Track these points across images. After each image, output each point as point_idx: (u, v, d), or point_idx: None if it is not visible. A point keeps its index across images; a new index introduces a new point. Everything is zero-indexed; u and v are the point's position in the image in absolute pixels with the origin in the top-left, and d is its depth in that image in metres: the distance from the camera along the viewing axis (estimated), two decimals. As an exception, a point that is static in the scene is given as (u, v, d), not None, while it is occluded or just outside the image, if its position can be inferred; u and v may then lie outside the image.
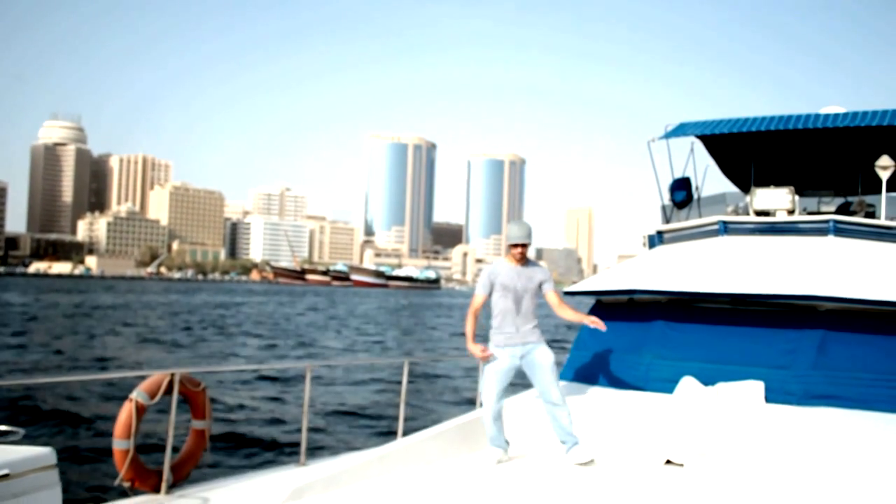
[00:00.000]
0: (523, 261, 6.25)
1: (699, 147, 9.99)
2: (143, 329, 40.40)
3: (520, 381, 6.51)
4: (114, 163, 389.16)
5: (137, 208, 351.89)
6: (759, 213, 8.35)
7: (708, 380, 6.85)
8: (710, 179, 10.38)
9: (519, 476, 5.73)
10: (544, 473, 5.79)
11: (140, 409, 5.40)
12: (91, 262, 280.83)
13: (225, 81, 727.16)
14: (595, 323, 6.27)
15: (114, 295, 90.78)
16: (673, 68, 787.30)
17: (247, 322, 50.18)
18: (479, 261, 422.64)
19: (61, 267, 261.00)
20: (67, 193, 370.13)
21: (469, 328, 6.24)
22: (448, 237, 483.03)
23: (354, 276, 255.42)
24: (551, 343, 6.76)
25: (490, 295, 6.29)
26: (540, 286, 6.27)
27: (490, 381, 6.21)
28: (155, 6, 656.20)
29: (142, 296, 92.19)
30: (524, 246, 6.17)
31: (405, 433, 6.84)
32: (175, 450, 5.71)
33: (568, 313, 6.31)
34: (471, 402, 8.65)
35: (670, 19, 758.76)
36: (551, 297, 6.34)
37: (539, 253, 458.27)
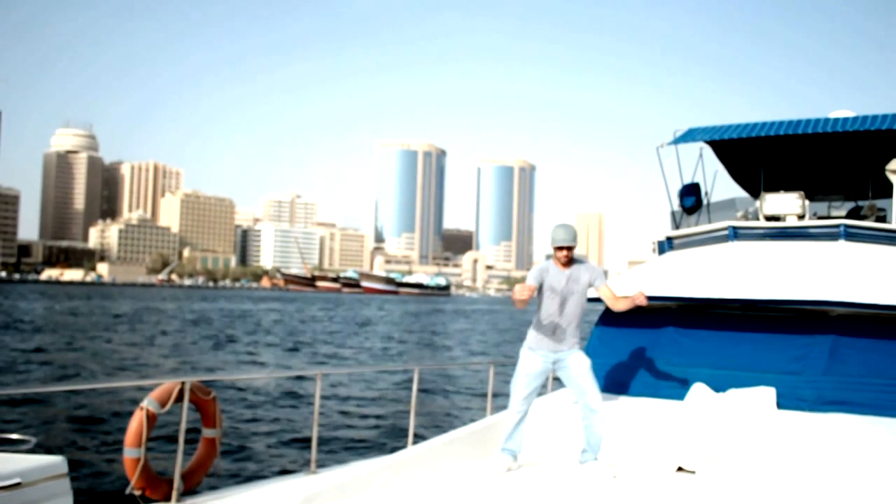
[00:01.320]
0: (569, 264, 6.18)
1: (708, 152, 9.96)
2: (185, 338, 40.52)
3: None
4: (125, 170, 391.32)
5: (149, 215, 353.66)
6: (769, 219, 8.32)
7: (719, 386, 6.82)
8: (720, 185, 10.34)
9: (530, 483, 5.71)
10: (556, 481, 5.77)
11: (151, 418, 5.42)
12: (102, 269, 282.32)
13: (235, 89, 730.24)
14: (639, 299, 6.13)
15: (133, 302, 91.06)
16: (681, 77, 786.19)
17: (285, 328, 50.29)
18: (489, 267, 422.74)
19: (73, 274, 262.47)
20: (79, 201, 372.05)
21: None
22: (458, 244, 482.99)
23: (365, 283, 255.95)
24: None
25: (539, 289, 6.18)
26: (586, 287, 6.19)
27: (520, 383, 6.17)
28: (166, 10, 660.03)
29: (163, 303, 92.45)
30: (569, 249, 6.11)
31: (416, 440, 6.83)
32: (186, 458, 5.72)
33: (622, 304, 6.21)
34: (482, 409, 8.63)
35: (678, 29, 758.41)
36: (604, 291, 6.22)
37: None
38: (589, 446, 6.07)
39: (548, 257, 6.42)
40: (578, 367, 6.10)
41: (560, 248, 6.11)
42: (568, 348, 6.16)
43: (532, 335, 6.26)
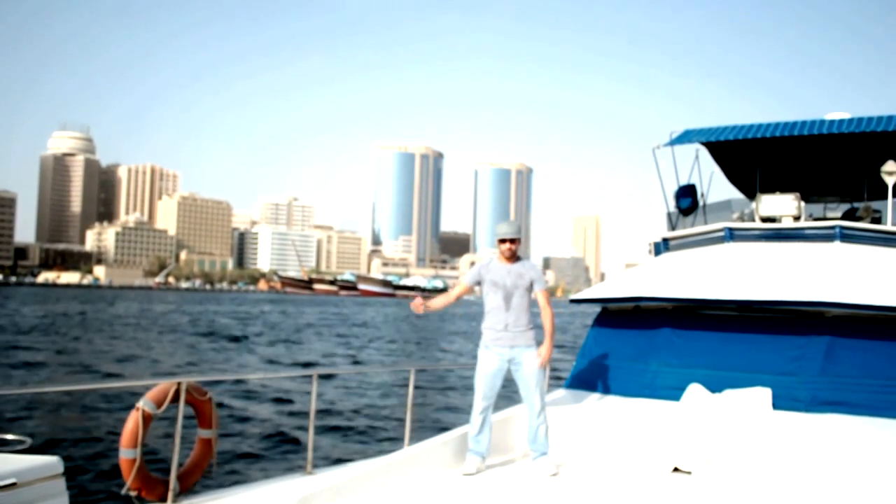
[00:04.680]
0: (513, 258, 6.23)
1: (704, 154, 9.98)
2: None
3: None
4: (122, 173, 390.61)
5: (145, 218, 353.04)
6: (764, 220, 8.34)
7: (715, 387, 6.83)
8: (716, 186, 10.37)
9: (525, 483, 5.72)
10: (550, 481, 5.78)
11: (147, 418, 5.42)
12: (99, 271, 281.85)
13: (232, 91, 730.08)
14: (543, 359, 6.13)
15: (131, 304, 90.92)
16: (677, 78, 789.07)
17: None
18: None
19: (70, 277, 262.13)
20: (76, 203, 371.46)
21: (440, 298, 6.35)
22: (455, 246, 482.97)
23: (362, 286, 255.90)
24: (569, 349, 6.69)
25: (474, 287, 6.36)
26: (531, 284, 6.22)
27: (479, 384, 6.20)
28: (162, 12, 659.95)
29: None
30: (512, 241, 6.17)
31: (412, 441, 6.84)
32: (182, 458, 5.72)
33: (546, 320, 6.18)
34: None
35: (674, 31, 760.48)
36: (540, 297, 6.26)
37: (546, 262, 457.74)
38: (534, 444, 6.11)
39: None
40: (529, 367, 6.13)
41: (504, 241, 6.20)
42: (524, 345, 6.17)
43: (486, 333, 6.29)
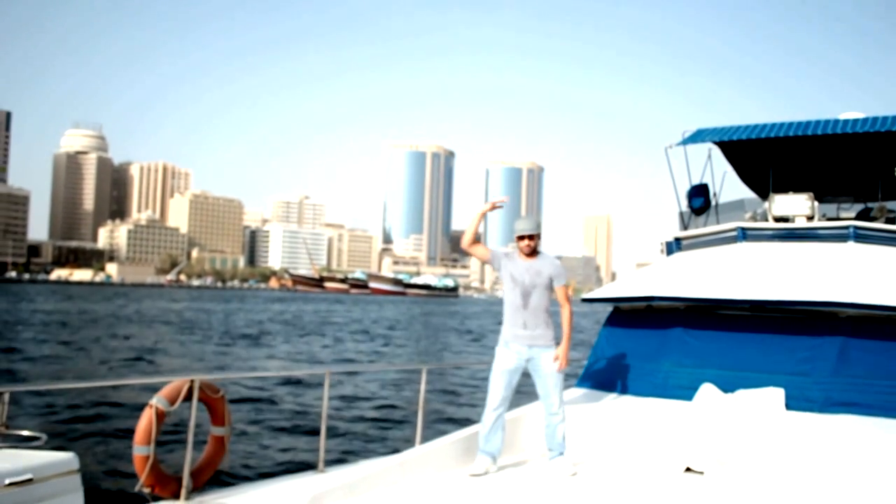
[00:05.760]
0: (532, 255, 6.16)
1: (717, 153, 9.95)
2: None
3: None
4: (134, 171, 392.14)
5: (157, 216, 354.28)
6: (777, 220, 8.31)
7: (727, 387, 6.82)
8: (728, 186, 10.33)
9: (537, 483, 5.72)
10: (562, 481, 5.78)
11: (160, 416, 5.45)
12: (111, 269, 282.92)
13: (244, 90, 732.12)
14: (561, 362, 6.07)
15: (144, 302, 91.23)
16: (690, 77, 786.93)
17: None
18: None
19: (82, 274, 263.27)
20: (89, 201, 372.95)
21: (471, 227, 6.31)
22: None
23: (373, 284, 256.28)
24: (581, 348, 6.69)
25: (488, 259, 6.27)
26: (550, 282, 6.15)
27: (495, 381, 6.15)
28: (175, 10, 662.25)
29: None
30: (531, 238, 6.09)
31: (424, 440, 6.85)
32: (195, 456, 5.75)
33: (564, 319, 6.15)
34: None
35: (688, 31, 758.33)
36: (559, 293, 6.19)
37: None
38: (551, 445, 6.09)
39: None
40: (548, 367, 6.08)
41: (522, 238, 6.12)
42: (543, 345, 6.11)
43: (505, 330, 6.24)
